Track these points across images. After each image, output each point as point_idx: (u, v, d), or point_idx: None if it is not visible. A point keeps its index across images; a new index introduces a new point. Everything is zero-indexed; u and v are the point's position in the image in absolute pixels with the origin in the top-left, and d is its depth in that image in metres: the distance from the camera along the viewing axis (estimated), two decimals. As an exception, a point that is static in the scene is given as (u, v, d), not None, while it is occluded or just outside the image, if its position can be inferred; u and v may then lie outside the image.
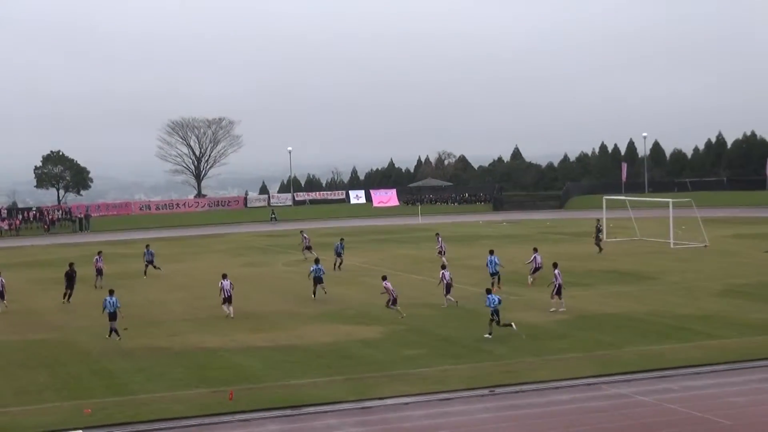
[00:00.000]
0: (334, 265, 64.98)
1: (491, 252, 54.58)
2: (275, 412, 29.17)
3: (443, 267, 50.12)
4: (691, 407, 28.13)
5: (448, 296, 47.47)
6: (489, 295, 39.86)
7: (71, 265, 55.18)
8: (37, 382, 34.04)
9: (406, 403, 29.81)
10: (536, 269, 54.70)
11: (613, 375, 32.53)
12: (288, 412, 29.22)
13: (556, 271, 45.58)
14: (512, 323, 39.71)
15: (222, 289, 47.13)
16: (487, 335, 39.31)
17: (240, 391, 31.40)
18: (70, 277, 54.25)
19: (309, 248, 72.96)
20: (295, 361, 36.23)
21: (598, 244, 71.15)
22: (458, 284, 52.14)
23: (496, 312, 39.38)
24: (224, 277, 47.77)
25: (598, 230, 72.34)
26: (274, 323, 44.58)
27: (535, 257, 55.11)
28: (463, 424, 27.45)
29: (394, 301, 44.59)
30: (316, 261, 53.35)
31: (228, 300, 46.91)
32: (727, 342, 37.32)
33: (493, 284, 51.13)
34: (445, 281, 47.65)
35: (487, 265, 53.80)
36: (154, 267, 66.14)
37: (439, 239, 70.37)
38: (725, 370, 33.06)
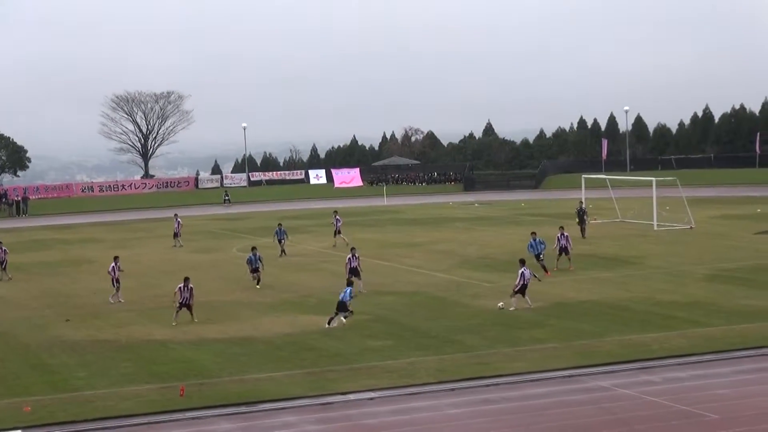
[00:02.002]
0: (282, 253, 64.92)
1: (533, 234, 54.02)
2: (229, 409, 29.15)
3: (353, 250, 50.12)
4: (675, 400, 28.35)
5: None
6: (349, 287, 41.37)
7: None
8: (-28, 378, 33.89)
9: (371, 398, 29.88)
10: (562, 250, 54.17)
11: (593, 366, 32.71)
12: (243, 408, 29.23)
13: (524, 270, 43.55)
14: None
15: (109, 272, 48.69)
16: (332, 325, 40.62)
17: (191, 387, 31.37)
18: None
19: (176, 234, 74.75)
20: (250, 354, 36.23)
21: (582, 228, 69.83)
22: (426, 270, 52.46)
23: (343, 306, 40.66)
24: (115, 259, 49.05)
25: (583, 212, 71.03)
26: (228, 313, 44.56)
27: (558, 237, 54.54)
28: (431, 420, 27.54)
29: (180, 307, 42.75)
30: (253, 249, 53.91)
31: (115, 283, 48.52)
32: (714, 330, 37.62)
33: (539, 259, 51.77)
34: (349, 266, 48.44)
35: (528, 248, 53.28)
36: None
37: (336, 218, 71.25)
38: (712, 360, 33.32)
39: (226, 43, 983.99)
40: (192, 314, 42.56)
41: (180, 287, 42.59)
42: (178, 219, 75.92)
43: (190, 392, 30.78)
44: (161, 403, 29.79)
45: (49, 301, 49.52)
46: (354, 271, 48.16)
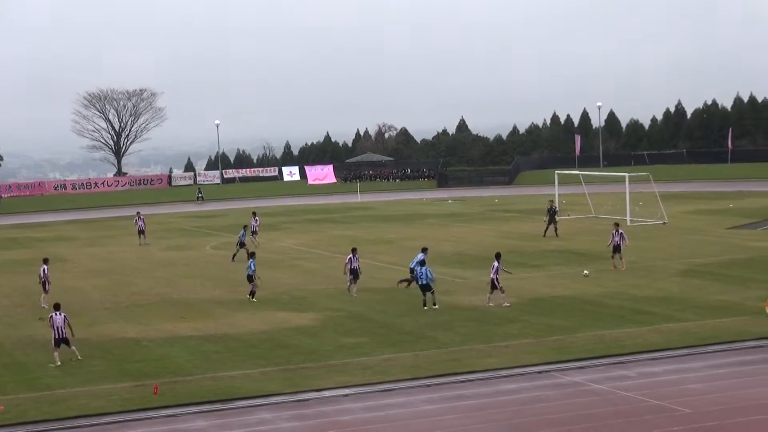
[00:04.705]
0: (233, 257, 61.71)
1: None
2: (204, 407, 29.09)
3: (354, 250, 47.73)
4: (648, 395, 28.45)
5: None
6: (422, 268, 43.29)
7: None
8: (-57, 377, 33.69)
9: (345, 395, 29.89)
10: (616, 248, 52.44)
11: (566, 362, 32.78)
12: (218, 406, 29.18)
13: (496, 264, 42.99)
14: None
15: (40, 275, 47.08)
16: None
17: (165, 385, 31.29)
18: None
19: (142, 232, 74.52)
20: (225, 351, 36.18)
21: (548, 227, 68.33)
22: (400, 267, 52.37)
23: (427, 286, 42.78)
24: (44, 261, 47.81)
25: (553, 211, 69.22)
26: (202, 311, 44.46)
27: (612, 234, 52.78)
28: (405, 416, 27.56)
29: (57, 343, 35.21)
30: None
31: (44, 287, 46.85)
32: (687, 325, 37.79)
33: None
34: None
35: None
36: None
37: (255, 219, 70.57)
38: (685, 355, 33.45)
39: (199, 41, 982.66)
40: (72, 348, 35.30)
41: (52, 316, 35.69)
42: (141, 217, 75.54)
43: (164, 390, 30.69)
44: (135, 401, 29.69)
45: (21, 300, 49.30)
46: (354, 272, 47.11)
